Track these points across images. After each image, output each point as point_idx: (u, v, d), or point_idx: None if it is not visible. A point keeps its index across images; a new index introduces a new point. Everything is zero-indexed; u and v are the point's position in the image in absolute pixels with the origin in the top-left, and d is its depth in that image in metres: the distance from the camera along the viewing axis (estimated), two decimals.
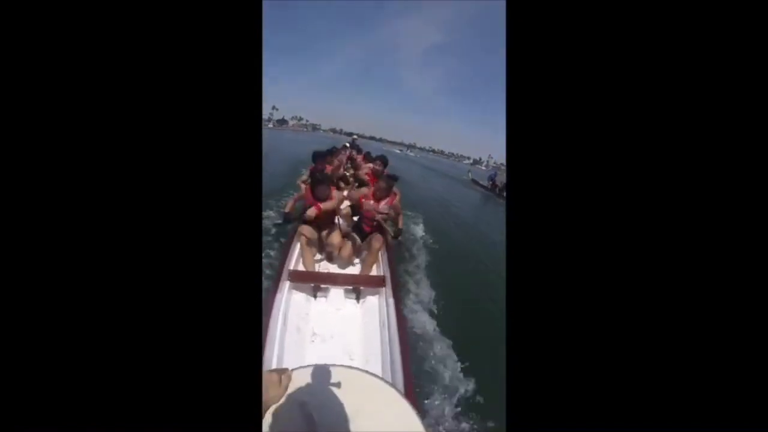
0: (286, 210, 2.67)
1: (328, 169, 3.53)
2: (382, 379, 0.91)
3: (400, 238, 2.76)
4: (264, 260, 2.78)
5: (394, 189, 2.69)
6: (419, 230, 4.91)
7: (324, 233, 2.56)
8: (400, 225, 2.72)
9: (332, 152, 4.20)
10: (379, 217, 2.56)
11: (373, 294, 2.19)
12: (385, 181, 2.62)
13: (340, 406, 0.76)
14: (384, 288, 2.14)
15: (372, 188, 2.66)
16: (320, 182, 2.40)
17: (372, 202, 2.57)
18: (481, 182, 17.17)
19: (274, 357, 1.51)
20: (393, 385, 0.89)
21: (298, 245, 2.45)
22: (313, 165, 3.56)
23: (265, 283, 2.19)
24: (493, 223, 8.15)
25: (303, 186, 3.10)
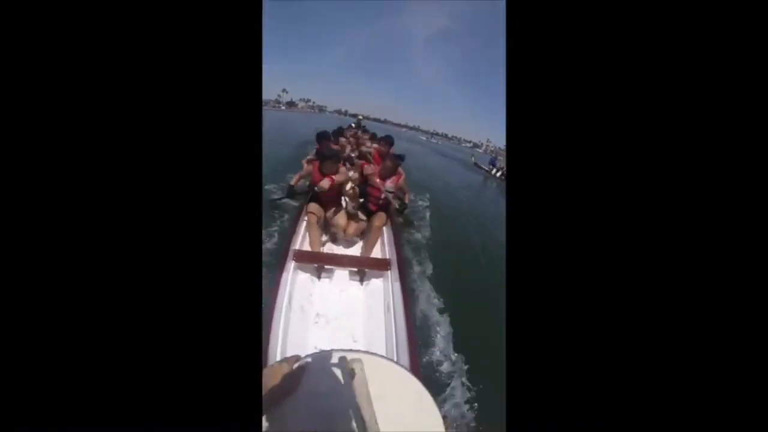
0: (292, 182, 2.52)
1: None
2: (395, 362, 0.83)
3: (406, 211, 2.68)
4: (268, 239, 2.65)
5: (399, 169, 2.53)
6: (426, 213, 4.71)
7: (329, 213, 2.39)
8: (407, 200, 2.62)
9: (338, 132, 3.92)
10: (384, 195, 2.41)
11: (377, 276, 2.06)
12: (391, 160, 2.47)
13: (354, 392, 0.69)
14: (389, 271, 2.01)
15: (378, 167, 2.52)
16: (328, 157, 2.20)
17: (378, 180, 2.41)
18: (483, 165, 17.05)
19: (279, 337, 1.43)
20: (406, 368, 0.82)
21: (303, 225, 2.30)
22: (318, 145, 3.34)
23: (271, 260, 2.07)
24: (496, 204, 8.06)
25: (306, 165, 2.74)
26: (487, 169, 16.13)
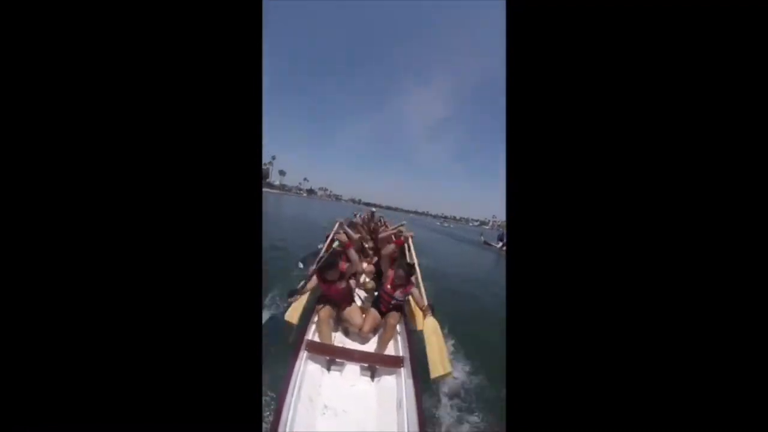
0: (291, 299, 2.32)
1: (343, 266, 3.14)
2: None
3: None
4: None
5: (412, 279, 2.41)
6: (441, 304, 4.41)
7: (341, 307, 2.40)
8: (423, 302, 2.34)
9: (342, 254, 3.75)
10: (394, 302, 2.36)
11: (389, 373, 1.94)
12: (404, 269, 2.34)
13: None
14: (402, 368, 1.90)
15: (391, 274, 2.38)
16: (327, 269, 2.26)
17: (389, 286, 2.36)
18: (491, 243, 16.99)
19: (287, 424, 1.40)
20: None
21: (316, 319, 2.31)
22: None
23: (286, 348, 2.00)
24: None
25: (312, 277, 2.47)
26: (496, 246, 16.03)
